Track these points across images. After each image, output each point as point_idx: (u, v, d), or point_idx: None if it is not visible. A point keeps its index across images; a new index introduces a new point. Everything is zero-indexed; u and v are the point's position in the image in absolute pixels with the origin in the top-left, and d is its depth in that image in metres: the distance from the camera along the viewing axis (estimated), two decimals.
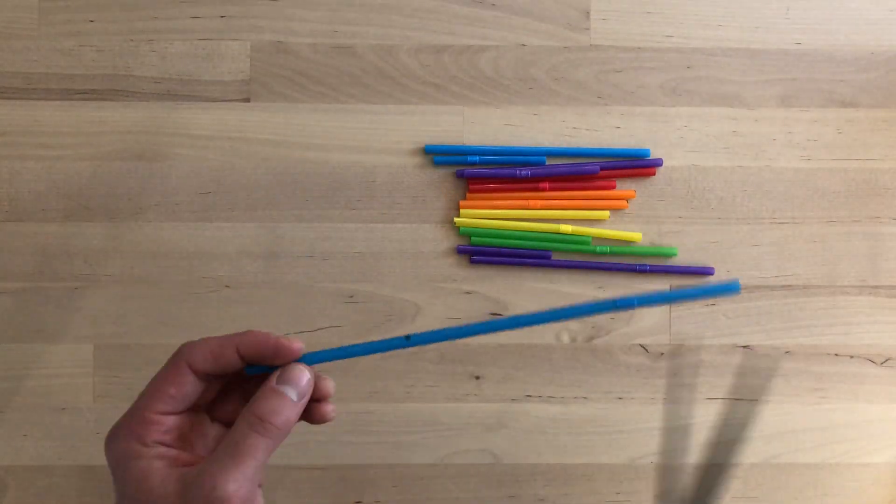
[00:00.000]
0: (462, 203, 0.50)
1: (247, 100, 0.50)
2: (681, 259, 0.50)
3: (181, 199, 0.50)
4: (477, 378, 0.50)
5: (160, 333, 0.49)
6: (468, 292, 0.50)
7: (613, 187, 0.50)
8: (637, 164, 0.50)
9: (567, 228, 0.50)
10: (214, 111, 0.50)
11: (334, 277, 0.50)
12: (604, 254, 0.50)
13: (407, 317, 0.50)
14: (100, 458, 0.49)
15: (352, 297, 0.50)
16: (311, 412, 0.34)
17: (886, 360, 0.51)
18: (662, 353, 0.50)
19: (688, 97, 0.50)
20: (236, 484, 0.30)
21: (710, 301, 0.50)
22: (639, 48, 0.50)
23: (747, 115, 0.51)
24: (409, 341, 0.33)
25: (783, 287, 0.50)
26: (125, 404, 0.49)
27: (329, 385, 0.34)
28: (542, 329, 0.50)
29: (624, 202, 0.50)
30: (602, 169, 0.50)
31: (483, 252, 0.50)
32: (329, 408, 0.35)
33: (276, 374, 0.33)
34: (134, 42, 0.50)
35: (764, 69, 0.51)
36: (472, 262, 0.50)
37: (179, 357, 0.33)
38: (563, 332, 0.50)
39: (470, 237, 0.50)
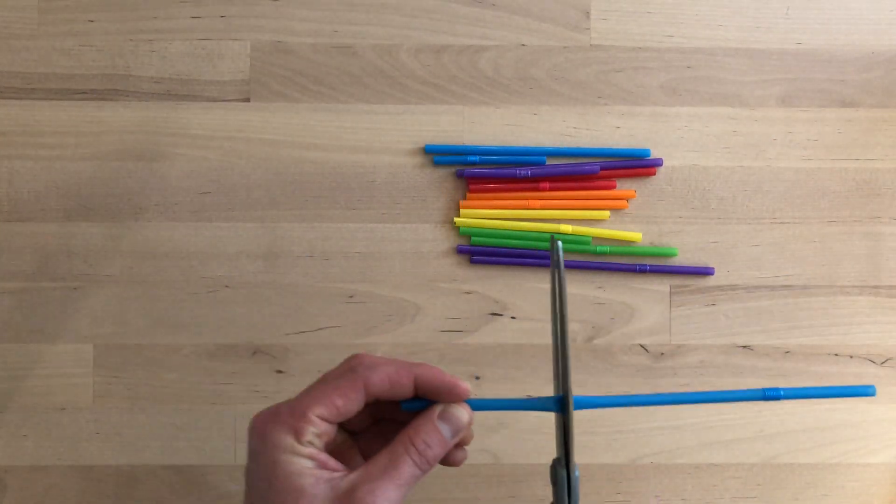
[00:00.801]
0: (462, 203, 0.50)
1: (247, 100, 0.50)
2: (681, 259, 0.50)
3: (181, 199, 0.50)
4: (477, 378, 0.50)
5: (160, 333, 0.49)
6: (468, 292, 0.50)
7: (614, 187, 0.50)
8: (637, 164, 0.50)
9: (567, 228, 0.49)
10: (214, 111, 0.50)
11: (334, 277, 0.50)
12: (604, 254, 0.50)
13: (407, 317, 0.50)
14: (99, 458, 0.49)
15: (352, 297, 0.50)
16: (447, 455, 0.34)
17: (886, 360, 0.51)
18: (662, 353, 0.50)
19: (688, 97, 0.50)
20: (389, 502, 0.31)
21: (710, 301, 0.50)
22: (639, 48, 0.50)
23: (747, 115, 0.51)
24: (558, 405, 0.34)
25: (783, 287, 0.50)
26: (125, 404, 0.49)
27: (470, 433, 0.35)
28: (542, 329, 0.50)
29: (624, 202, 0.50)
30: (602, 169, 0.50)
31: (483, 252, 0.50)
32: (462, 455, 0.35)
33: (439, 409, 0.33)
34: (134, 42, 0.50)
35: (764, 69, 0.51)
36: (473, 262, 0.50)
37: (357, 373, 0.33)
38: None
39: (470, 237, 0.50)
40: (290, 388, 0.49)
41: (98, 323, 0.49)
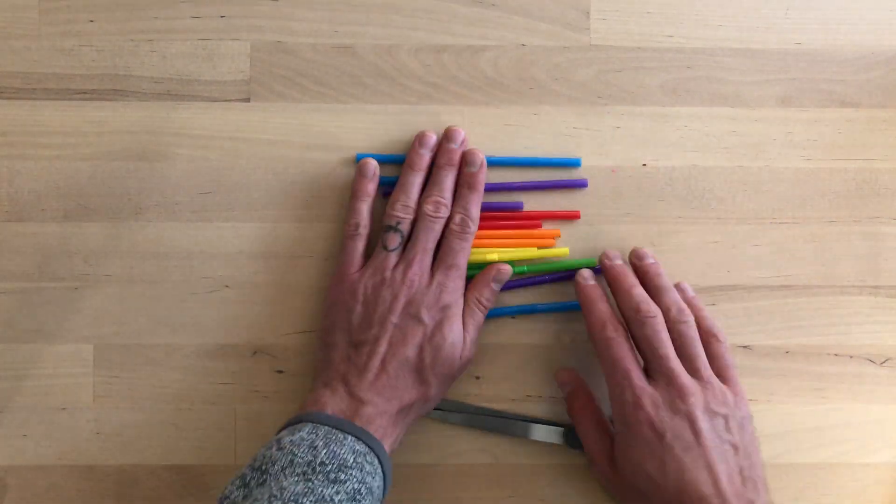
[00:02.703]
0: None
1: (247, 100, 0.50)
2: (678, 258, 0.50)
3: (181, 199, 0.50)
4: (477, 378, 0.50)
5: (160, 333, 0.49)
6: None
7: (539, 227, 0.50)
8: (563, 184, 0.50)
9: (494, 257, 0.48)
10: (214, 111, 0.50)
11: None
12: (522, 273, 0.49)
13: None
14: (100, 458, 0.49)
15: None
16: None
17: (886, 360, 0.51)
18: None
19: (688, 97, 0.50)
20: (474, 341, 0.48)
21: (710, 301, 0.50)
22: (639, 48, 0.50)
23: (747, 115, 0.51)
24: None
25: (783, 287, 0.50)
26: (125, 404, 0.49)
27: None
28: (542, 329, 0.50)
29: (551, 241, 0.49)
30: (531, 190, 0.50)
31: None
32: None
33: (493, 272, 0.49)
34: (134, 42, 0.50)
35: (764, 69, 0.51)
36: None
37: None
38: (563, 332, 0.50)
39: None
40: (290, 388, 0.50)
41: (98, 323, 0.49)
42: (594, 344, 0.45)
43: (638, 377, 0.44)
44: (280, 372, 0.50)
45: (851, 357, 0.51)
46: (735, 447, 0.42)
